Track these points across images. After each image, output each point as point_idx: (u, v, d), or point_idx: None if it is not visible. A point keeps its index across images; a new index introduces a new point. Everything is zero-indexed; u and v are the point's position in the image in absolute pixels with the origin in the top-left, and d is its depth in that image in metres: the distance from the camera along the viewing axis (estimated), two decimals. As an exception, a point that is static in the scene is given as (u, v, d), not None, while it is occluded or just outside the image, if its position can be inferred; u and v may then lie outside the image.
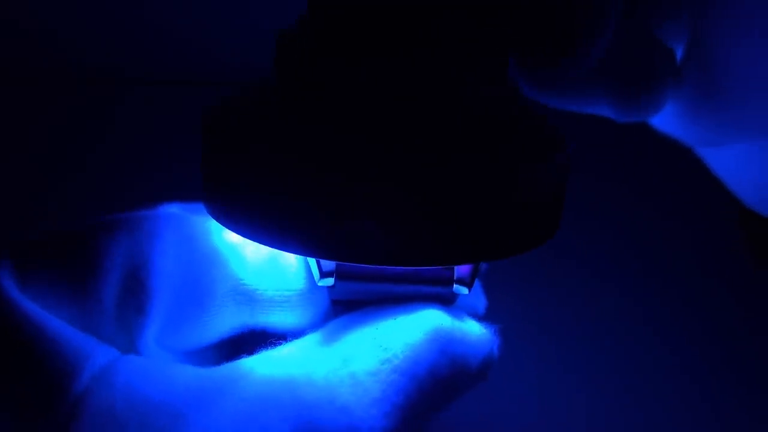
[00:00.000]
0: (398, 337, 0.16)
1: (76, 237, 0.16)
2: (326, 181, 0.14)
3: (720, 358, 0.31)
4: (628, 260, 0.36)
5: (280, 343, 0.16)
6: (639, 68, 0.15)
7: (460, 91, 0.15)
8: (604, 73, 0.15)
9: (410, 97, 0.15)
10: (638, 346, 0.31)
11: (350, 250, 0.14)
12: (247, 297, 0.17)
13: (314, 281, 0.16)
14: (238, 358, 0.16)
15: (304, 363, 0.15)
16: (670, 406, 0.29)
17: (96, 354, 0.15)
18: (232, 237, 0.17)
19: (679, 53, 0.17)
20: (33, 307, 0.15)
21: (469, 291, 0.17)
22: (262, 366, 0.15)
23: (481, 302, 0.19)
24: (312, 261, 0.16)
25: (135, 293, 0.16)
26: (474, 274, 0.17)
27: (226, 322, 0.17)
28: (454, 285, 0.17)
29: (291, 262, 0.17)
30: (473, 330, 0.17)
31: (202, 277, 0.17)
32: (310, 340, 0.16)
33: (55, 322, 0.15)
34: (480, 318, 0.18)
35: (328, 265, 0.16)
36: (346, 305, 0.17)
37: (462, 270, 0.17)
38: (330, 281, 0.16)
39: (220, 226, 0.16)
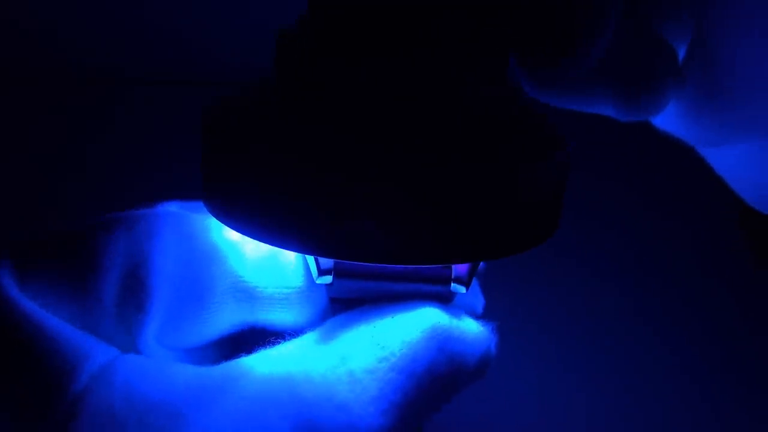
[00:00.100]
0: (396, 335, 0.16)
1: (76, 236, 0.16)
2: (326, 181, 0.14)
3: (720, 358, 0.31)
4: (627, 259, 0.36)
5: (279, 342, 0.16)
6: (641, 68, 0.15)
7: (460, 91, 0.15)
8: (605, 72, 0.15)
9: (410, 97, 0.15)
10: (638, 345, 0.31)
11: (349, 248, 0.14)
12: (247, 294, 0.17)
13: (312, 279, 0.16)
14: (237, 357, 0.16)
15: (303, 361, 0.15)
16: (669, 405, 0.29)
17: (95, 353, 0.15)
18: (231, 234, 0.17)
19: (681, 53, 0.17)
20: (33, 306, 0.15)
21: (467, 290, 0.17)
22: (261, 364, 0.15)
23: (479, 301, 0.19)
24: (310, 259, 0.17)
25: (135, 291, 0.16)
26: (471, 273, 0.17)
27: (225, 319, 0.17)
28: (452, 284, 0.17)
29: (290, 259, 0.17)
30: (471, 328, 0.17)
31: (202, 274, 0.17)
32: (308, 339, 0.16)
33: (55, 321, 0.15)
34: (478, 317, 0.18)
35: (327, 263, 0.16)
36: (344, 303, 0.17)
37: (460, 269, 0.17)
38: (328, 279, 0.16)
39: (220, 223, 0.16)
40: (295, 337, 0.16)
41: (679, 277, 0.35)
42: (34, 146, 0.41)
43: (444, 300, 0.17)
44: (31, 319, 0.15)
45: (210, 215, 0.16)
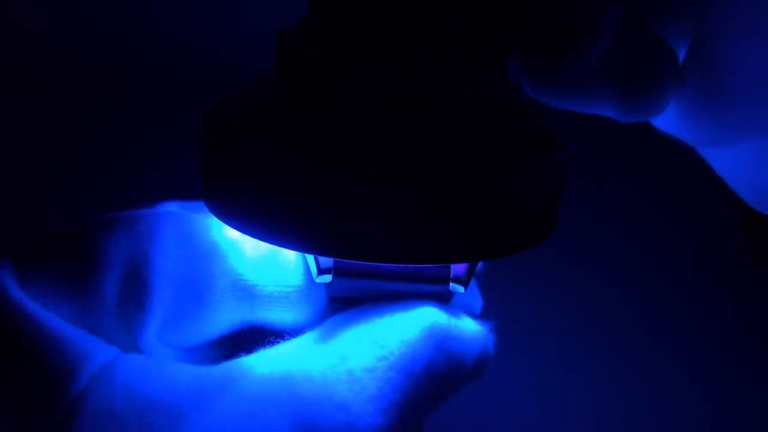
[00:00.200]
0: (395, 334, 0.16)
1: (76, 236, 0.17)
2: (326, 181, 0.14)
3: (720, 358, 0.31)
4: (627, 260, 0.36)
5: (278, 341, 0.16)
6: (641, 68, 0.15)
7: (461, 91, 0.15)
8: (605, 72, 0.15)
9: (411, 97, 0.15)
10: (637, 345, 0.31)
11: (349, 247, 0.14)
12: (247, 293, 0.17)
13: (312, 278, 0.17)
14: (237, 356, 0.16)
15: (302, 360, 0.15)
16: (669, 405, 0.29)
17: (96, 352, 0.15)
18: (232, 233, 0.17)
19: (681, 53, 0.17)
20: (33, 306, 0.15)
21: (466, 289, 0.17)
22: (261, 364, 0.16)
23: (477, 301, 0.19)
24: (310, 258, 0.17)
25: (135, 291, 0.16)
26: (470, 273, 0.17)
27: (225, 317, 0.17)
28: (451, 283, 0.17)
29: (290, 258, 0.17)
30: (469, 327, 0.17)
31: (202, 273, 0.17)
32: (307, 338, 0.16)
33: (56, 320, 0.15)
34: (476, 316, 0.18)
35: (326, 262, 0.16)
36: (343, 302, 0.17)
37: (458, 268, 0.17)
38: (327, 278, 0.16)
39: (220, 223, 0.16)
40: (294, 337, 0.17)
41: (679, 277, 0.35)
42: (34, 146, 0.41)
43: (443, 299, 0.17)
44: (32, 319, 0.15)
45: (210, 214, 0.16)
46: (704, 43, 0.16)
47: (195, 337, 0.17)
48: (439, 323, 0.16)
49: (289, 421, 0.14)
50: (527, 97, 0.16)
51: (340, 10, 0.15)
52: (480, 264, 0.18)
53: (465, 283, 0.17)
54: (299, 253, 0.17)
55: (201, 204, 0.17)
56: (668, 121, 0.18)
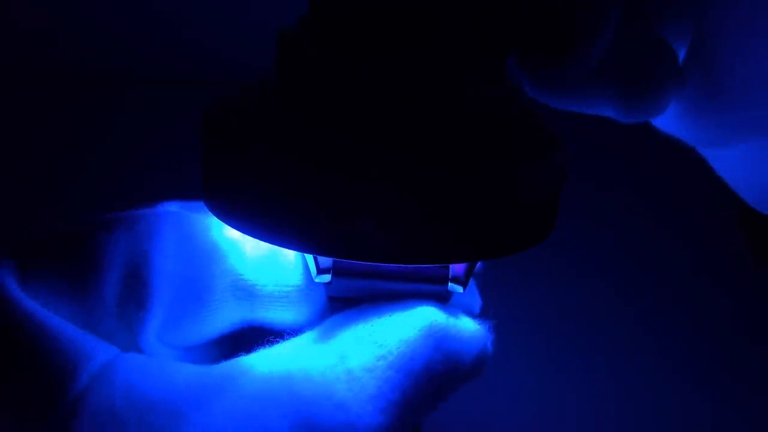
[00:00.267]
0: (393, 334, 0.16)
1: (76, 236, 0.17)
2: (326, 181, 0.14)
3: (720, 358, 0.31)
4: (627, 259, 0.36)
5: (278, 341, 0.16)
6: (641, 68, 0.15)
7: (461, 91, 0.15)
8: (606, 73, 0.15)
9: (411, 97, 0.15)
10: (636, 345, 0.31)
11: (348, 247, 0.14)
12: (247, 292, 0.17)
13: (311, 277, 0.17)
14: (237, 356, 0.16)
15: (302, 360, 0.15)
16: (669, 405, 0.29)
17: (96, 352, 0.15)
18: (231, 233, 0.17)
19: (681, 53, 0.17)
20: (34, 306, 0.15)
21: (464, 289, 0.17)
22: (260, 363, 0.16)
23: (476, 301, 0.19)
24: (309, 257, 0.17)
25: (135, 290, 0.16)
26: (469, 273, 0.17)
27: (226, 317, 0.17)
28: (449, 283, 0.17)
29: (289, 258, 0.17)
30: (468, 326, 0.17)
31: (202, 272, 0.17)
32: (307, 337, 0.16)
33: (56, 320, 0.15)
34: (475, 316, 0.18)
35: (326, 261, 0.16)
36: (342, 302, 0.17)
37: (457, 268, 0.17)
38: (327, 278, 0.16)
39: (219, 223, 0.16)
40: (294, 336, 0.17)
41: (679, 277, 0.35)
42: (34, 146, 0.41)
43: (441, 299, 0.17)
44: (32, 319, 0.15)
45: (210, 214, 0.16)
46: (704, 43, 0.16)
47: (195, 337, 0.17)
48: (438, 323, 0.16)
49: (288, 421, 0.14)
50: (527, 97, 0.16)
51: (340, 10, 0.15)
52: (479, 264, 0.18)
53: (464, 283, 0.17)
54: (299, 253, 0.17)
55: (201, 204, 0.17)
56: (668, 121, 0.18)
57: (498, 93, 0.16)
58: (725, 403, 0.29)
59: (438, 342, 0.16)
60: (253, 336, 0.17)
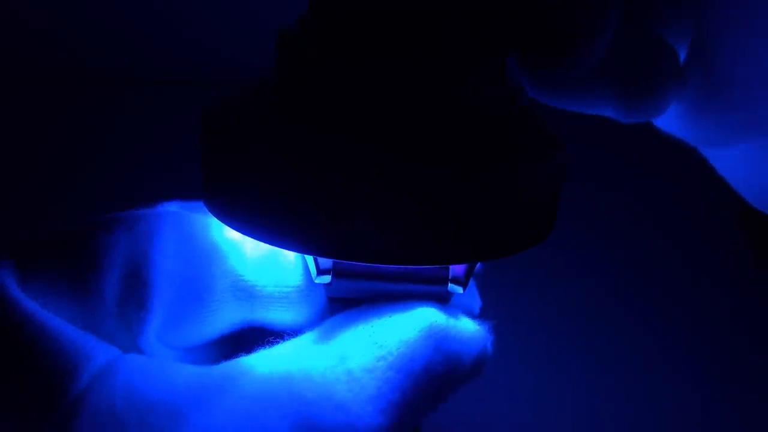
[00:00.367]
0: (393, 334, 0.16)
1: (76, 236, 0.17)
2: (326, 181, 0.14)
3: (720, 358, 0.31)
4: (627, 259, 0.36)
5: (278, 341, 0.16)
6: (642, 68, 0.15)
7: (461, 91, 0.15)
8: (606, 73, 0.15)
9: (411, 98, 0.15)
10: (636, 345, 0.31)
11: (348, 248, 0.14)
12: (247, 293, 0.17)
13: (311, 278, 0.17)
14: (237, 356, 0.16)
15: (302, 360, 0.15)
16: (669, 405, 0.29)
17: (96, 353, 0.15)
18: (232, 233, 0.17)
19: (682, 53, 0.17)
20: (34, 306, 0.15)
21: (464, 290, 0.17)
22: (261, 364, 0.16)
23: (476, 302, 0.19)
24: (309, 258, 0.17)
25: (136, 290, 0.16)
26: (469, 274, 0.17)
27: (226, 317, 0.17)
28: (449, 284, 0.17)
29: (289, 259, 0.17)
30: (467, 327, 0.17)
31: (202, 273, 0.17)
32: (307, 338, 0.16)
33: (56, 320, 0.15)
34: (475, 317, 0.18)
35: (326, 262, 0.16)
36: (342, 303, 0.17)
37: (457, 269, 0.17)
38: (327, 278, 0.16)
39: (220, 223, 0.16)
40: (294, 337, 0.17)
41: (679, 277, 0.35)
42: (34, 146, 0.41)
43: (441, 300, 0.17)
44: (32, 319, 0.15)
45: (210, 215, 0.16)
46: (704, 43, 0.16)
47: (195, 337, 0.17)
48: (437, 323, 0.16)
49: (288, 421, 0.14)
50: (527, 97, 0.16)
51: (340, 10, 0.15)
52: (479, 264, 0.18)
53: (464, 284, 0.17)
54: (299, 254, 0.17)
55: (201, 204, 0.17)
56: (669, 121, 0.18)
57: (498, 93, 0.16)
58: (725, 403, 0.29)
59: (438, 343, 0.16)
60: (253, 336, 0.17)
